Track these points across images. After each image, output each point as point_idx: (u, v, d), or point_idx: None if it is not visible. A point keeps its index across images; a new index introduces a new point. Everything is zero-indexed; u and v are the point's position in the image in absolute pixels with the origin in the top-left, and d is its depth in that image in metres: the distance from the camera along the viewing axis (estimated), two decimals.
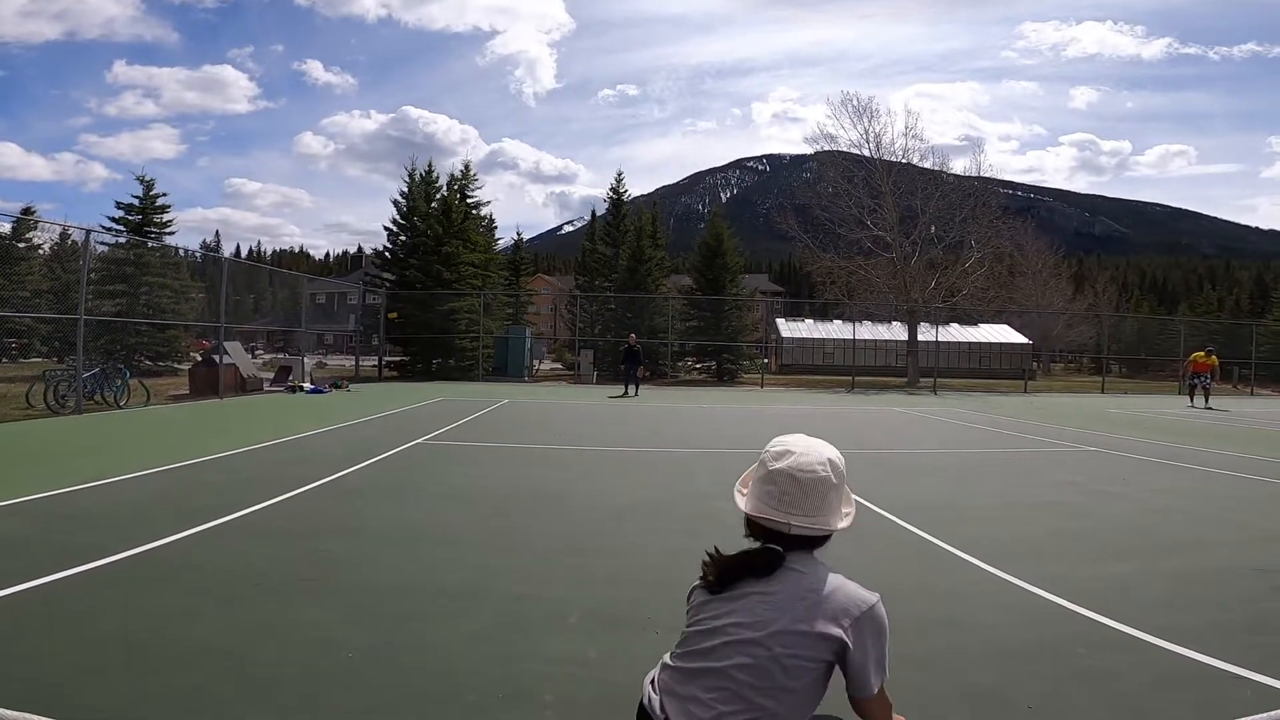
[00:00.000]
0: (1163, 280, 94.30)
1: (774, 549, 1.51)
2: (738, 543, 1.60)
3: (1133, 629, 3.17)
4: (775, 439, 1.60)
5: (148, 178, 23.97)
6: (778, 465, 1.51)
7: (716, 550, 1.56)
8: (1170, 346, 32.60)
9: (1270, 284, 54.87)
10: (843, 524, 1.54)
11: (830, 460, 1.53)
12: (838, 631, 1.42)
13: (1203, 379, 18.74)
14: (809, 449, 1.54)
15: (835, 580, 1.49)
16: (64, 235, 23.08)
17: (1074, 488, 6.86)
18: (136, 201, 23.70)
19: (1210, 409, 17.65)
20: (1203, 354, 19.11)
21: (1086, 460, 8.75)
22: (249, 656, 2.72)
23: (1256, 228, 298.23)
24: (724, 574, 1.51)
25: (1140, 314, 50.25)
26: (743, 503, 1.56)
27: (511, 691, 2.52)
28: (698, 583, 1.57)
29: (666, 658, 1.54)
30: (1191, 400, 19.02)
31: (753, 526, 1.55)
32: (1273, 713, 2.41)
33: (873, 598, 1.48)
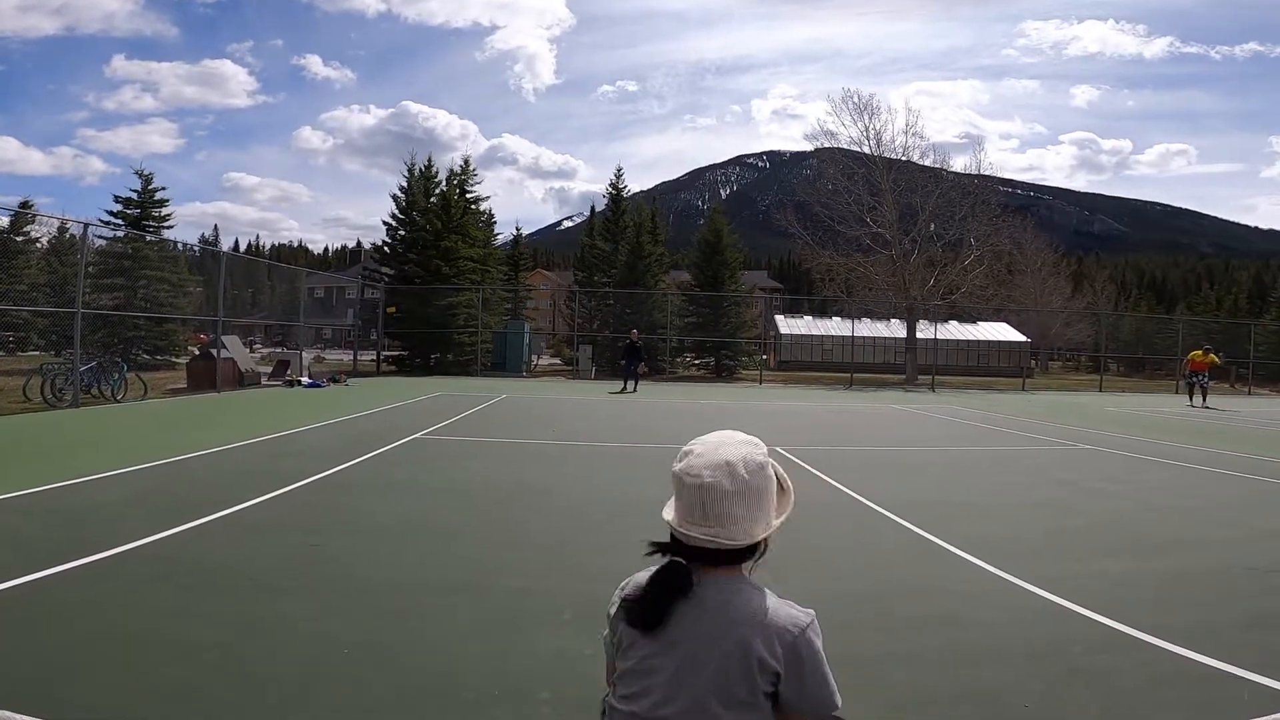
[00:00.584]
0: (1161, 279, 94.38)
1: (679, 564, 1.31)
2: None
3: (1128, 628, 3.17)
4: (699, 436, 1.41)
5: (146, 172, 23.86)
6: (675, 467, 1.33)
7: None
8: (1168, 345, 32.62)
9: (1269, 284, 54.94)
10: (758, 535, 1.32)
11: (727, 463, 1.30)
12: (772, 662, 1.27)
13: (1200, 378, 18.77)
14: (709, 449, 1.33)
15: (762, 602, 1.31)
16: (62, 229, 22.94)
17: (1070, 486, 6.86)
18: (135, 195, 23.59)
19: (1208, 408, 17.68)
20: (1200, 353, 19.15)
21: (1083, 458, 8.75)
22: (243, 653, 2.70)
23: (1255, 227, 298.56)
24: (648, 611, 1.31)
25: (1138, 313, 50.32)
26: (668, 512, 1.36)
27: (507, 688, 2.51)
28: (616, 608, 1.38)
29: (612, 698, 1.37)
30: (1190, 399, 19.05)
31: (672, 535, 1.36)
32: (1275, 716, 2.41)
33: (805, 618, 1.31)
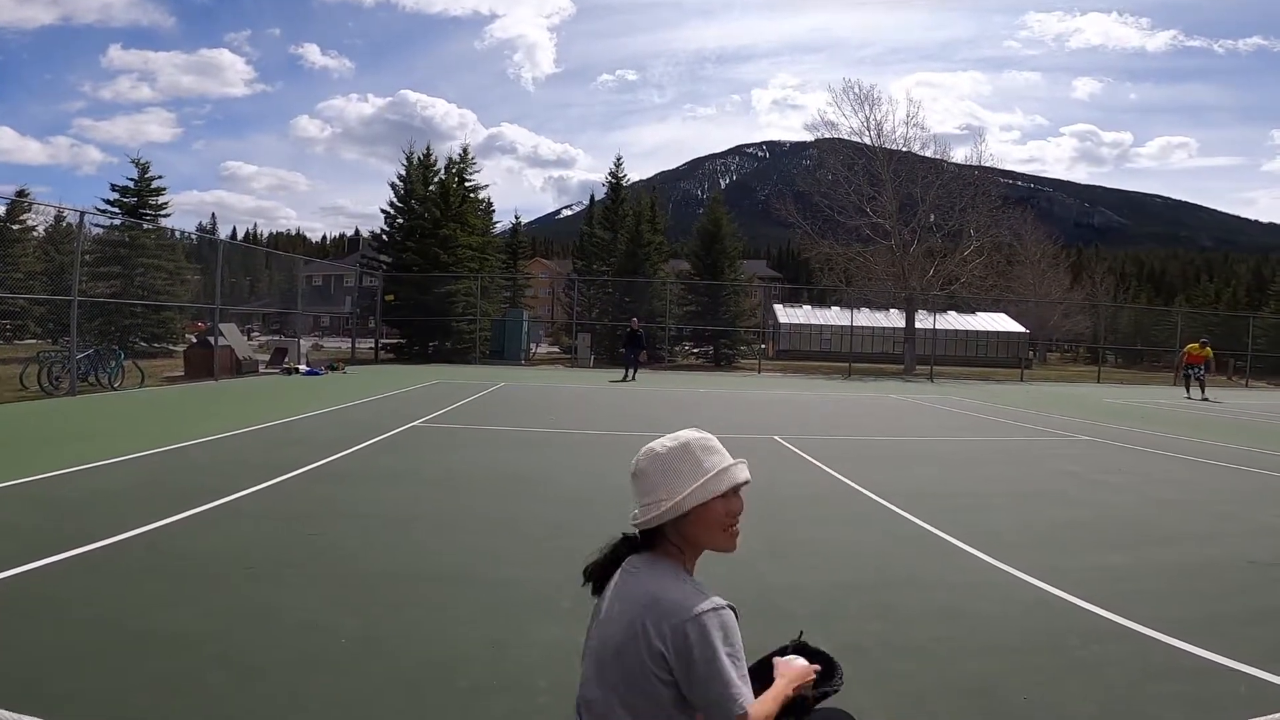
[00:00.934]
0: (1160, 271, 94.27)
1: (629, 537, 1.43)
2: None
3: (1127, 620, 3.16)
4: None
5: (143, 161, 23.73)
6: None
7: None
8: (1166, 338, 32.62)
9: (1268, 277, 54.84)
10: (641, 514, 1.38)
11: (653, 449, 1.40)
12: (659, 645, 1.24)
13: (1196, 370, 18.77)
14: (651, 445, 1.42)
15: (664, 583, 1.31)
16: (58, 217, 22.82)
17: (1070, 477, 6.86)
18: (131, 184, 23.49)
19: (1206, 400, 17.69)
20: (1196, 345, 19.14)
21: (1082, 450, 8.76)
22: (238, 643, 2.69)
23: (1256, 220, 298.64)
24: (595, 577, 1.46)
25: (1137, 305, 50.28)
26: None
27: (505, 678, 2.50)
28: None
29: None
30: (1188, 391, 19.05)
31: None
32: (1275, 716, 2.40)
33: (701, 604, 1.26)
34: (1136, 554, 4.29)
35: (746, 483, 1.40)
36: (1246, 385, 26.54)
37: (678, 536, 1.38)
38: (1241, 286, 54.87)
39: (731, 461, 1.39)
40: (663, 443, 1.40)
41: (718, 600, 1.28)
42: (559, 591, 3.25)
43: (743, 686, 1.23)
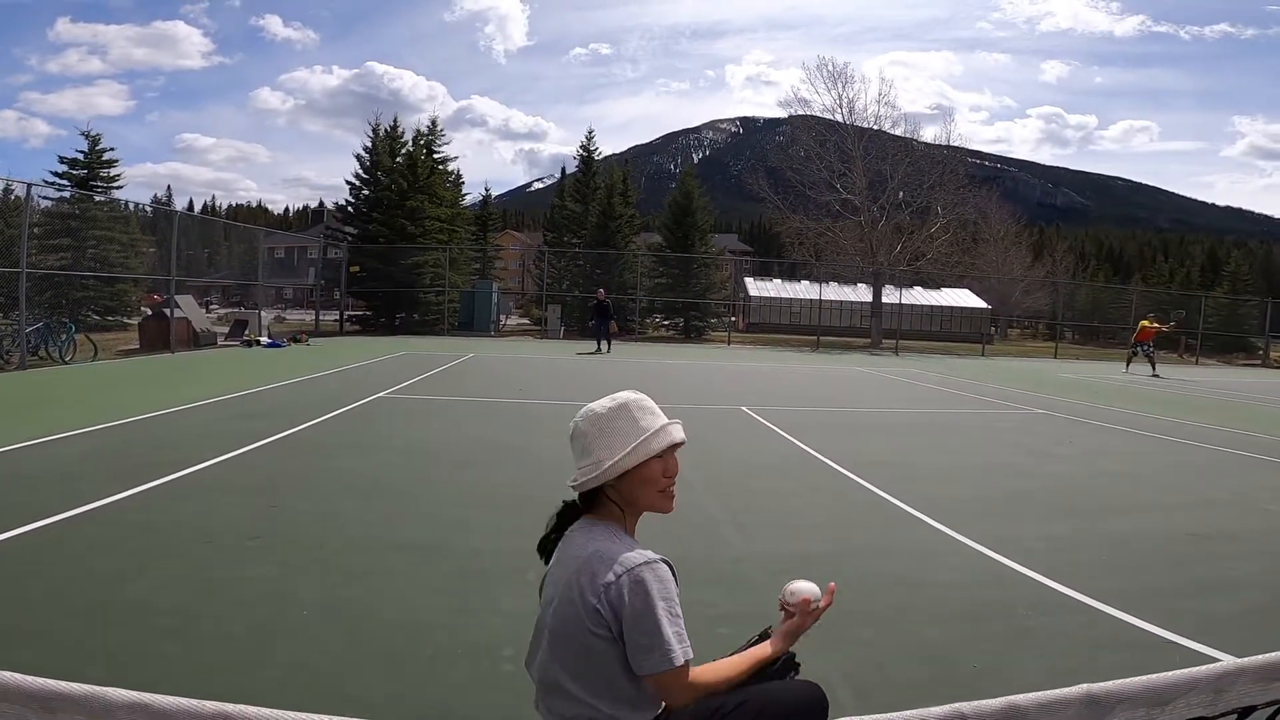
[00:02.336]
0: (1119, 251, 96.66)
1: (571, 504, 1.48)
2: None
3: (1073, 591, 3.28)
4: None
5: (93, 133, 22.94)
6: None
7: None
8: (1122, 315, 33.61)
9: (1222, 259, 56.71)
10: (579, 475, 1.40)
11: (591, 410, 1.42)
12: (594, 602, 1.25)
13: (1144, 346, 19.33)
14: (590, 405, 1.44)
15: (600, 543, 1.32)
16: (5, 190, 21.94)
17: (1022, 449, 7.08)
18: (81, 156, 22.76)
19: (1156, 376, 18.31)
20: (1147, 321, 19.68)
21: (1035, 422, 9.03)
22: (199, 613, 2.67)
23: (1213, 204, 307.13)
24: (546, 550, 1.48)
25: (1095, 283, 51.59)
26: None
27: (469, 645, 2.52)
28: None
29: None
30: (1127, 366, 19.64)
31: None
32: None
33: (635, 559, 1.27)
34: (1081, 525, 4.45)
35: (682, 443, 1.41)
36: (1197, 362, 27.52)
37: (617, 497, 1.39)
38: (1195, 267, 56.59)
39: (667, 422, 1.40)
40: (601, 403, 1.42)
41: (651, 554, 1.30)
42: (525, 561, 3.24)
43: (678, 641, 1.24)
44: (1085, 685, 0.59)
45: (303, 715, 0.52)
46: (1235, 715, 0.65)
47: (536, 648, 1.39)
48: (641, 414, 1.39)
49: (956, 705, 0.56)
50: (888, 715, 0.54)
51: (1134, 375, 18.41)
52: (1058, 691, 0.57)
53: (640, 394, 1.44)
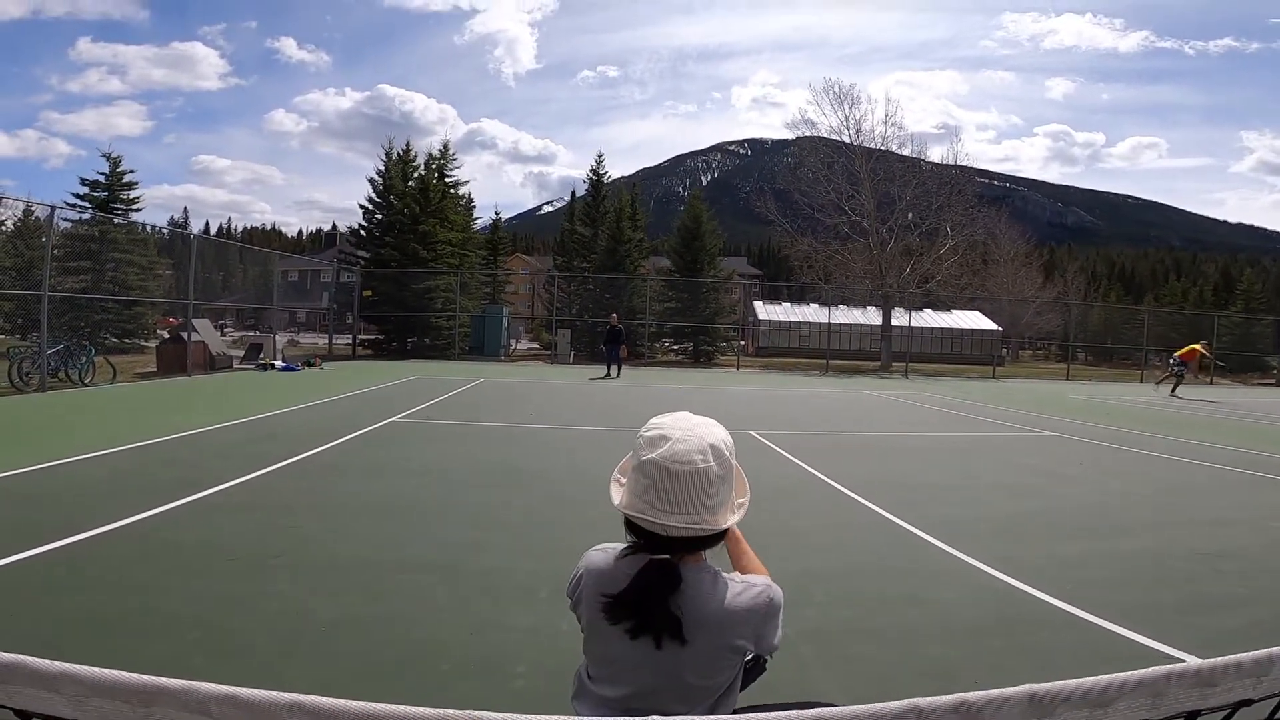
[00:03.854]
0: (1131, 271, 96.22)
1: (667, 563, 1.23)
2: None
3: (1076, 609, 3.32)
4: (653, 419, 1.30)
5: (114, 154, 23.40)
6: (650, 455, 1.22)
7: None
8: (1134, 336, 33.41)
9: (1235, 277, 56.29)
10: (733, 518, 1.29)
11: (712, 446, 1.24)
12: (742, 642, 1.26)
13: (1181, 366, 19.07)
14: (688, 433, 1.24)
15: (733, 585, 1.28)
16: (27, 212, 22.41)
17: (1031, 470, 7.09)
18: (102, 178, 23.18)
19: (1176, 397, 18.11)
20: (1199, 346, 19.39)
21: (1046, 444, 9.02)
22: (219, 629, 2.76)
23: (1225, 221, 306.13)
24: (638, 614, 1.22)
25: (1107, 303, 51.34)
26: (618, 497, 1.29)
27: (483, 662, 2.60)
28: (584, 594, 1.32)
29: (584, 673, 1.35)
30: (1172, 388, 19.29)
31: (630, 523, 1.27)
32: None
33: (758, 590, 1.29)
34: (1087, 544, 4.48)
35: None
36: (1210, 382, 27.27)
37: (708, 542, 1.30)
38: (1209, 286, 56.22)
39: None
40: (728, 439, 1.29)
41: (765, 579, 1.34)
42: (538, 581, 3.36)
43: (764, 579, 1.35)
44: (1029, 685, 0.62)
45: (372, 705, 0.56)
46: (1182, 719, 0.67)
47: (641, 687, 1.25)
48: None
49: (913, 700, 0.59)
50: (847, 708, 0.57)
51: (1159, 395, 18.19)
52: (1004, 690, 0.61)
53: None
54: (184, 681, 0.57)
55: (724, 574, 1.30)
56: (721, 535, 1.29)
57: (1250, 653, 0.72)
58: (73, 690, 0.59)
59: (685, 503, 1.21)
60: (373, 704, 0.58)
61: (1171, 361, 19.47)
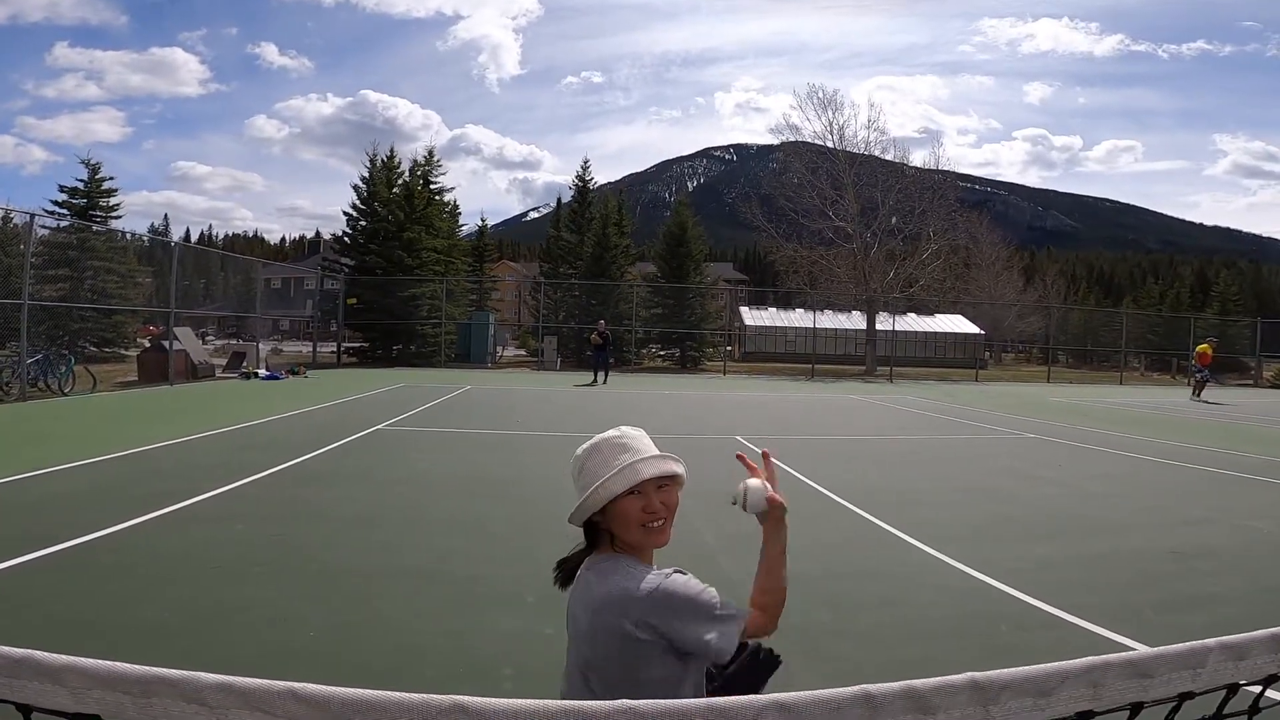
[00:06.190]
0: (1109, 274, 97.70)
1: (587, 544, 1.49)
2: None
3: (1052, 607, 3.39)
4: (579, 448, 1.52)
5: (93, 161, 23.17)
6: (600, 441, 1.48)
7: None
8: (1113, 339, 33.90)
9: (1211, 279, 57.33)
10: (574, 515, 1.44)
11: (576, 450, 1.48)
12: (636, 633, 1.29)
13: (1201, 371, 19.30)
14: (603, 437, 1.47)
15: (614, 580, 1.35)
16: (5, 219, 22.09)
17: (1011, 473, 7.20)
18: (81, 185, 22.90)
19: (1203, 400, 18.23)
20: (1205, 346, 19.55)
21: (1026, 446, 9.16)
22: (204, 637, 2.77)
23: (1200, 224, 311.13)
24: (562, 571, 1.52)
25: (1086, 306, 52.05)
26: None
27: (470, 666, 2.63)
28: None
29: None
30: (1198, 393, 19.16)
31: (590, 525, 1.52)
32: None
33: (655, 580, 1.32)
34: (1064, 545, 4.56)
35: (661, 477, 1.39)
36: (1188, 383, 27.71)
37: (609, 531, 1.42)
38: (1185, 288, 57.16)
39: (643, 458, 1.38)
40: (585, 443, 1.47)
41: (667, 570, 1.37)
42: (523, 586, 3.38)
43: (730, 602, 1.35)
44: (971, 673, 0.64)
45: (360, 692, 0.57)
46: (1127, 711, 0.68)
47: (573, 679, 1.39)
48: (614, 451, 1.39)
49: (864, 686, 0.61)
50: (801, 694, 0.59)
51: (1198, 402, 18.11)
52: (949, 678, 0.63)
53: (628, 430, 1.45)
54: (182, 671, 0.60)
55: (634, 565, 1.39)
56: (595, 528, 1.47)
57: (1179, 644, 0.74)
58: (76, 682, 0.62)
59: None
60: (360, 690, 0.61)
61: (1194, 368, 19.58)
